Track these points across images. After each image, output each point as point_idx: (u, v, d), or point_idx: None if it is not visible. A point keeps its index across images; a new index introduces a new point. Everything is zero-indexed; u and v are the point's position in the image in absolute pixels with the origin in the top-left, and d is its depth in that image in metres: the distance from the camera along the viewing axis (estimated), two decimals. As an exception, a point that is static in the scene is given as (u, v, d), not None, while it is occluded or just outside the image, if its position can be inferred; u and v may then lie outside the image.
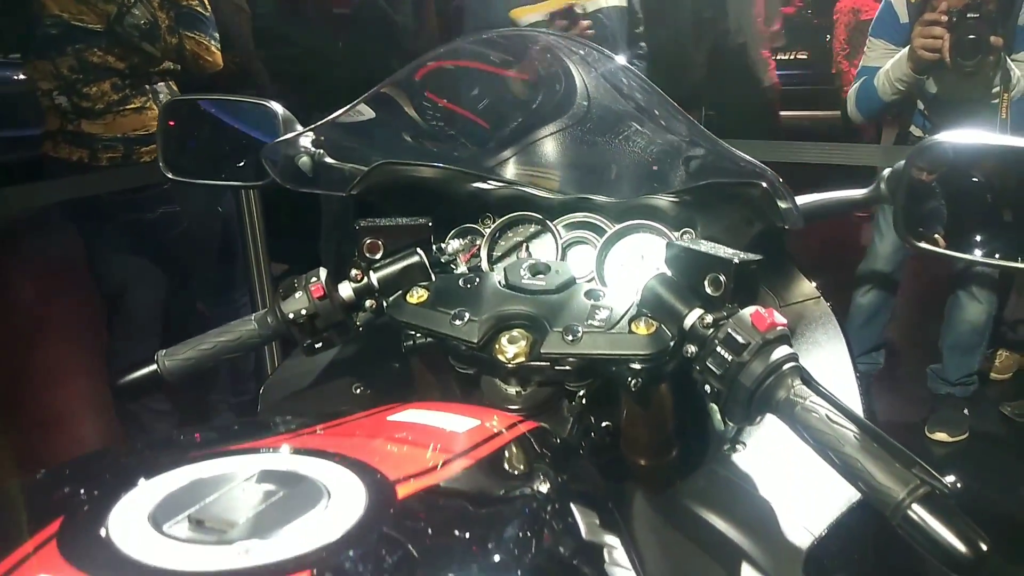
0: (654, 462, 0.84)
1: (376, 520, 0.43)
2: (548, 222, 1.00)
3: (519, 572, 0.41)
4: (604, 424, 0.85)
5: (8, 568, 0.37)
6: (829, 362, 0.87)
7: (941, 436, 2.78)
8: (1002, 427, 2.92)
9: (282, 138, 0.93)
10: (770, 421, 0.81)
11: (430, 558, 0.41)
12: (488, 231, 1.02)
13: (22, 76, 3.57)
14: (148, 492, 0.46)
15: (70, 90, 2.25)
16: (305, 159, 0.92)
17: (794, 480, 0.74)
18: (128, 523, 0.42)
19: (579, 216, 1.00)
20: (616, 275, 0.95)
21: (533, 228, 1.03)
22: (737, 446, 0.79)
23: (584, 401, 0.81)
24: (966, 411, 2.82)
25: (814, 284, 0.90)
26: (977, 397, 2.95)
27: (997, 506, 2.50)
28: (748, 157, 0.80)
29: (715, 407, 0.84)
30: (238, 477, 0.48)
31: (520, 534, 0.45)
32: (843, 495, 0.72)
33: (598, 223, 0.99)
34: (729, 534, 0.68)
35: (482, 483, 0.53)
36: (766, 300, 0.89)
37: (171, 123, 1.00)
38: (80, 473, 0.52)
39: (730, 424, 0.80)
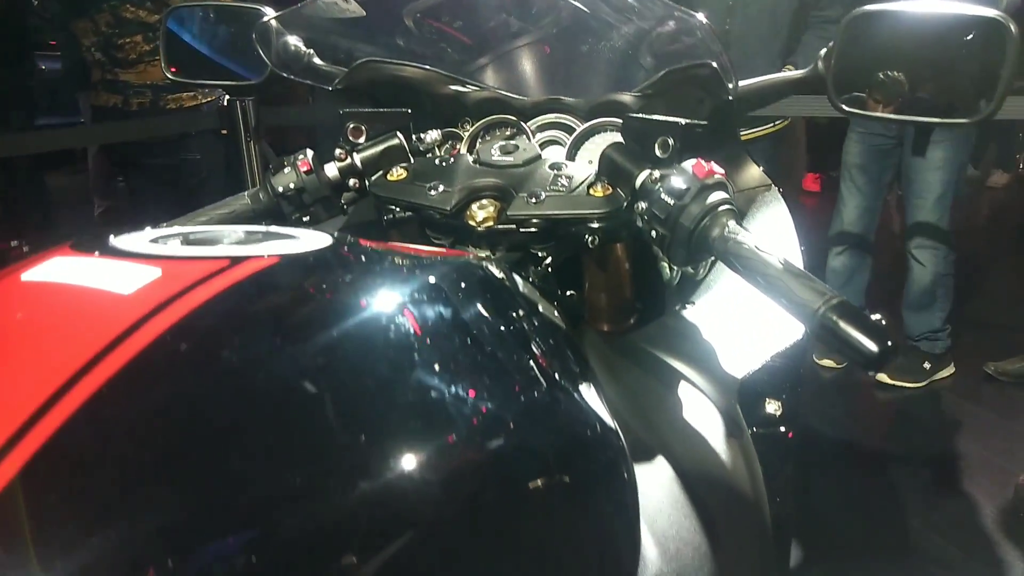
0: (615, 328, 0.92)
1: None
2: (522, 123, 1.07)
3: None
4: (569, 293, 0.92)
5: (27, 262, 0.44)
6: (778, 244, 0.94)
7: (882, 376, 2.95)
8: (984, 385, 3.01)
9: (274, 16, 1.00)
10: (713, 286, 0.89)
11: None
12: (467, 133, 1.09)
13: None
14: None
15: (107, 44, 2.59)
16: (296, 46, 1.00)
17: (733, 331, 0.82)
18: (130, 239, 0.49)
19: (551, 117, 1.07)
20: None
21: (509, 131, 1.10)
22: (687, 305, 0.87)
23: (550, 269, 0.89)
24: (927, 364, 2.97)
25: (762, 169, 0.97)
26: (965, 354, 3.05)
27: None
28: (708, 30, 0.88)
29: (668, 275, 0.92)
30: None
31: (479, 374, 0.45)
32: (772, 343, 0.80)
33: (569, 123, 1.06)
34: (679, 369, 0.76)
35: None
36: None
37: (172, 28, 1.07)
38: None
39: (676, 274, 0.88)
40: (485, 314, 0.47)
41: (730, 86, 0.87)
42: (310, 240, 0.52)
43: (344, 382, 0.39)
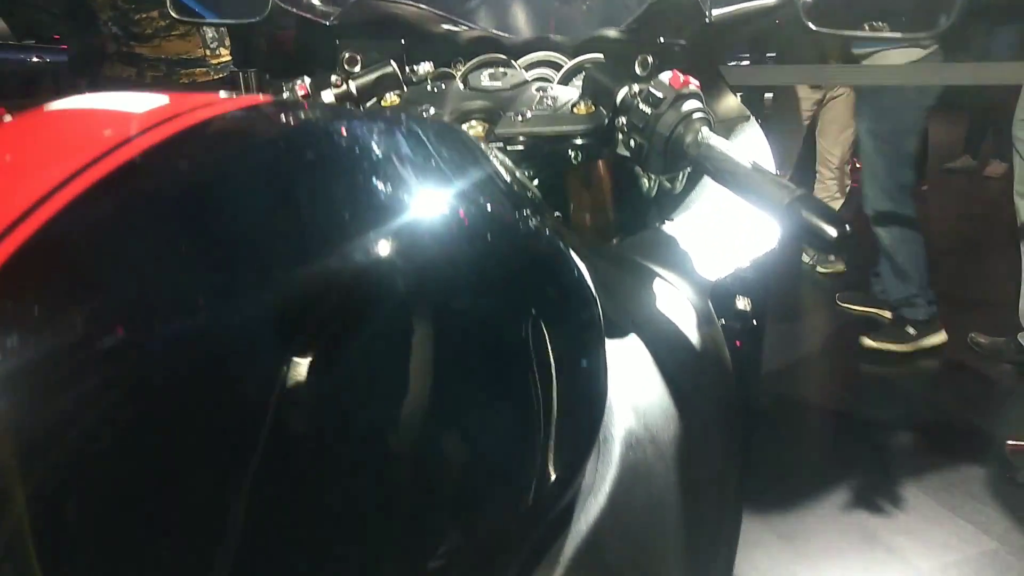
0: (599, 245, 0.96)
1: None
2: (512, 61, 1.12)
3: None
4: (556, 214, 0.97)
5: None
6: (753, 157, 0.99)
7: (868, 341, 3.12)
8: (966, 354, 3.07)
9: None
10: (691, 203, 0.93)
11: None
12: (459, 73, 1.14)
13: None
14: None
15: (124, 18, 2.67)
16: None
17: (710, 241, 0.86)
18: None
19: (540, 55, 1.12)
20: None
21: (501, 70, 1.14)
22: (666, 220, 0.91)
23: (537, 189, 0.93)
24: (910, 329, 3.09)
25: (739, 96, 1.02)
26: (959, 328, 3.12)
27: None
28: None
29: (647, 188, 0.96)
30: None
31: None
32: (745, 251, 0.84)
33: (557, 60, 1.11)
34: (655, 270, 0.80)
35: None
36: None
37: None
38: None
39: (654, 185, 0.92)
40: (463, 161, 0.51)
41: (707, 12, 0.91)
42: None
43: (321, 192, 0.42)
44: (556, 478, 0.46)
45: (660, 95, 0.78)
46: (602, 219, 0.96)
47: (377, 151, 0.45)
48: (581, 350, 0.52)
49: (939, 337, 3.09)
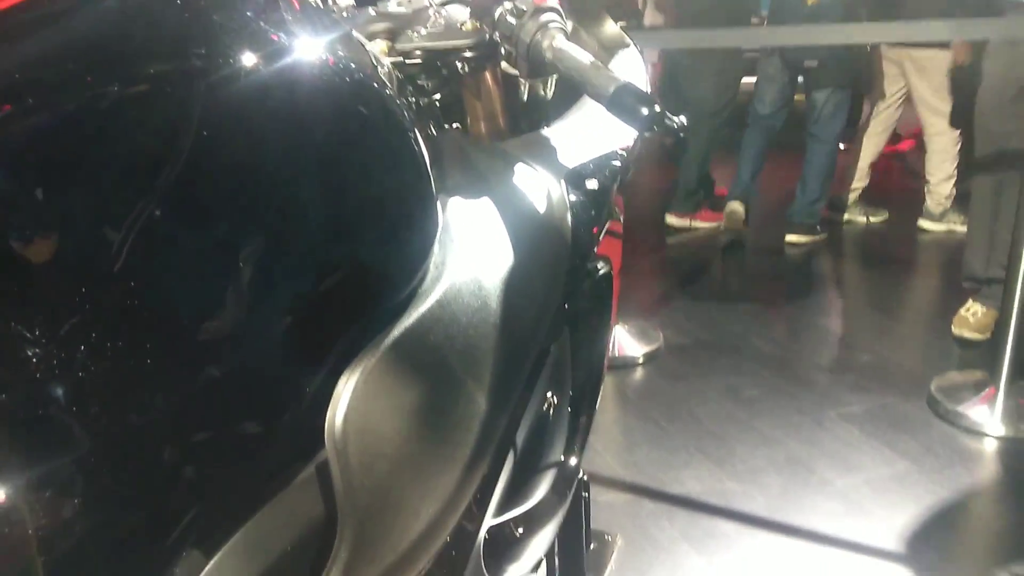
0: None
1: None
2: None
3: None
4: (454, 125, 1.12)
5: None
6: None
7: (789, 237, 4.21)
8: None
9: None
10: (567, 116, 1.09)
11: None
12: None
13: None
14: None
15: None
16: None
17: (571, 137, 1.03)
18: None
19: None
20: None
21: None
22: (544, 125, 1.07)
23: (438, 104, 1.08)
24: (818, 228, 4.21)
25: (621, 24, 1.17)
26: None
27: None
28: None
29: (521, 97, 1.12)
30: None
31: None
32: (600, 146, 1.01)
33: None
34: (519, 156, 0.95)
35: None
36: (578, 35, 1.16)
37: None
38: None
39: (525, 89, 1.08)
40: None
41: None
42: None
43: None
44: (398, 269, 0.63)
45: (524, 8, 0.93)
46: (492, 125, 1.11)
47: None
48: (408, 192, 0.67)
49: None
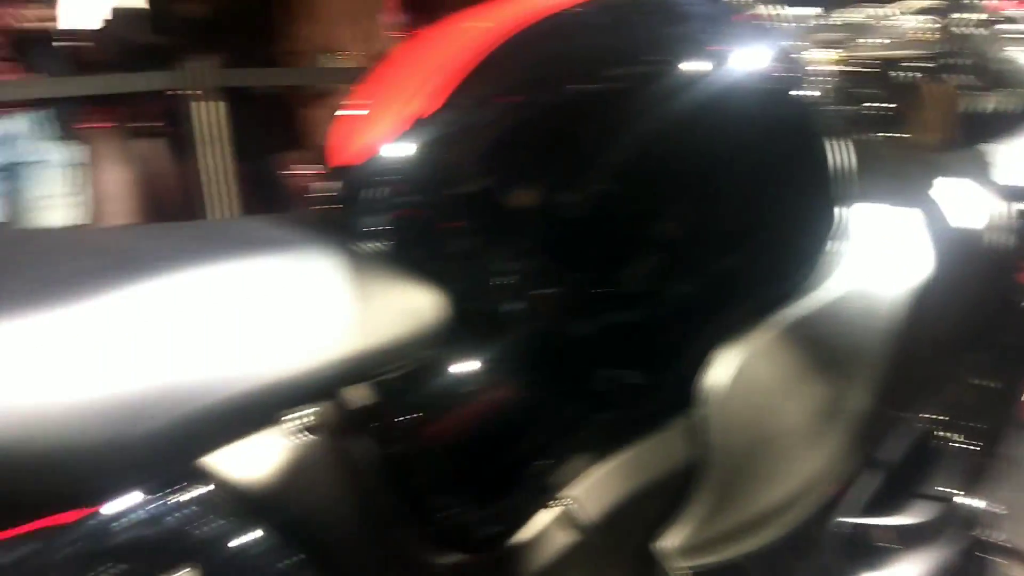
0: None
1: None
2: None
3: None
4: (901, 134, 1.08)
5: None
6: None
7: None
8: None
9: None
10: None
11: None
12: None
13: None
14: None
15: None
16: None
17: None
18: None
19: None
20: None
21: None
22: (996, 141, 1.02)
23: (888, 113, 1.05)
24: None
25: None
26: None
27: None
28: None
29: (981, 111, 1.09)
30: None
31: None
32: None
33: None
34: (970, 176, 0.95)
35: None
36: None
37: None
38: None
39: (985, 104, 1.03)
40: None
41: None
42: None
43: None
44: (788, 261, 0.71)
45: (980, 17, 0.90)
46: (941, 136, 1.03)
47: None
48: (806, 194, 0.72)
49: None
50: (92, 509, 0.47)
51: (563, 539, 0.67)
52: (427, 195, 0.65)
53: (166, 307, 0.48)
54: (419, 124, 0.64)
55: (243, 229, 0.67)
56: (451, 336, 0.60)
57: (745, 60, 0.70)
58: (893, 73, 1.03)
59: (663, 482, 0.69)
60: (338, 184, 0.67)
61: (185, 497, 0.49)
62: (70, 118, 2.17)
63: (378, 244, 0.63)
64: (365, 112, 0.69)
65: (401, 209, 0.65)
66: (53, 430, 0.43)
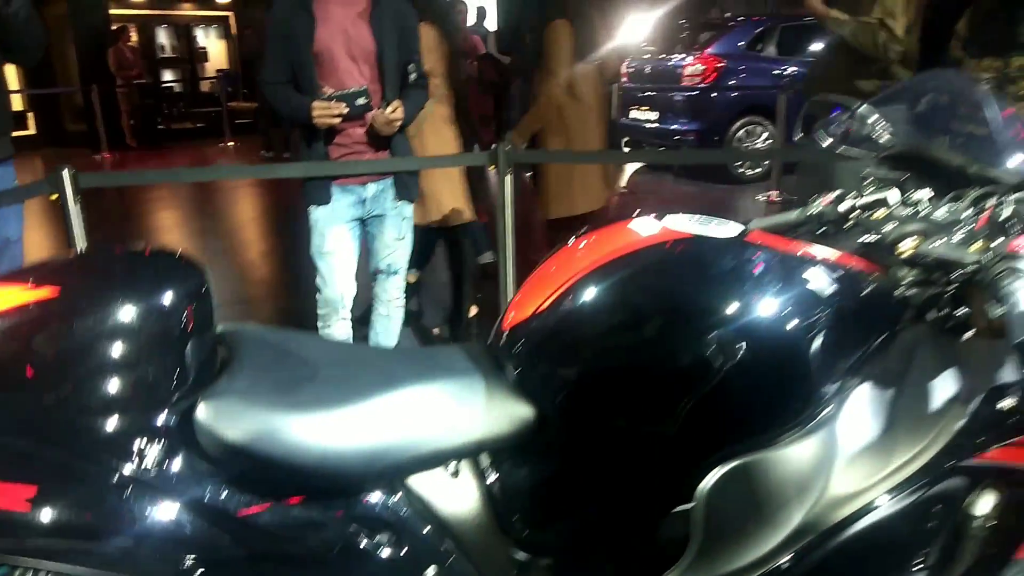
0: None
1: None
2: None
3: None
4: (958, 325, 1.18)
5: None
6: None
7: None
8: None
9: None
10: None
11: None
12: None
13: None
14: None
15: None
16: None
17: None
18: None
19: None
20: None
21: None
22: None
23: (943, 297, 1.17)
24: None
25: None
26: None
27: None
28: None
29: None
30: None
31: None
32: None
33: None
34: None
35: None
36: None
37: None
38: None
39: None
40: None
41: None
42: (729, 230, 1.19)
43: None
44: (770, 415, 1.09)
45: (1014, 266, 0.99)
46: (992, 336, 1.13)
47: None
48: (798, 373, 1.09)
49: None
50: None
51: None
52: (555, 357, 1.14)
53: (395, 404, 1.10)
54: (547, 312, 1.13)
55: (443, 356, 1.23)
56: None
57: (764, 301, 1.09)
58: (947, 271, 1.11)
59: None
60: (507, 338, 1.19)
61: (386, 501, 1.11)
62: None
63: (514, 374, 1.14)
64: (523, 297, 1.18)
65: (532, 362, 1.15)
66: (342, 455, 1.06)
